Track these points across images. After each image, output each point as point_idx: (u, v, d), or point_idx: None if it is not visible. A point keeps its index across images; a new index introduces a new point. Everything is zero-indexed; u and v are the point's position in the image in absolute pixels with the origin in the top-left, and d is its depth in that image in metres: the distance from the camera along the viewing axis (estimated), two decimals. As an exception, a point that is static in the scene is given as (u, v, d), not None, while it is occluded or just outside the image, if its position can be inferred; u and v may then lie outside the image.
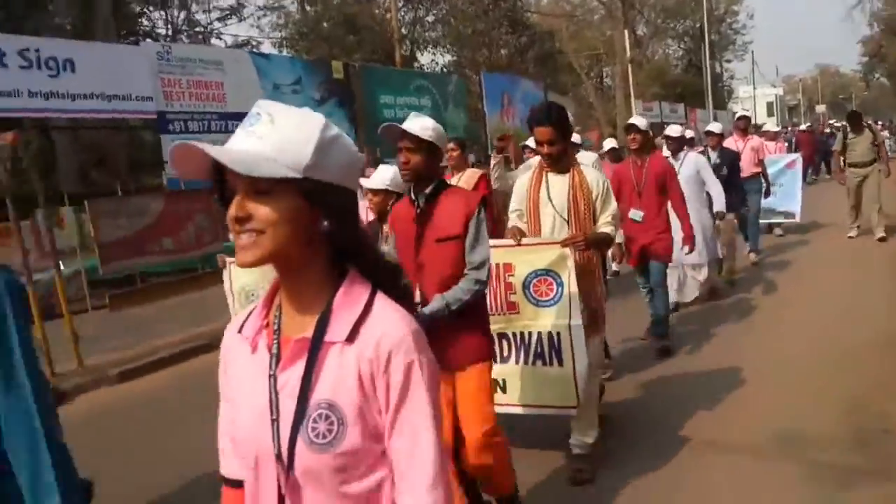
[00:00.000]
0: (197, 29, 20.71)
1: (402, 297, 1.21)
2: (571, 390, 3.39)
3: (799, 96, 69.26)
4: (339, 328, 1.13)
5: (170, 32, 19.73)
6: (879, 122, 27.69)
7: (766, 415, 4.14)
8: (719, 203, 6.51)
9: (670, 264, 5.81)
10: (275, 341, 1.18)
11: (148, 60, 10.63)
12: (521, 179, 3.80)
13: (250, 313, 1.25)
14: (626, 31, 31.38)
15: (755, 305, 6.88)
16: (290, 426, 1.11)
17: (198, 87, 11.51)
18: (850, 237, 9.79)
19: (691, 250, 5.52)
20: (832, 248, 9.53)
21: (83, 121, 10.81)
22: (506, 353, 3.50)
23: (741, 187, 8.22)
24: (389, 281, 1.22)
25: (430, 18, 22.30)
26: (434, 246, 2.71)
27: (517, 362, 3.50)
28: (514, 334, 3.50)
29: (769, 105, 52.76)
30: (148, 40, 14.79)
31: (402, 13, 22.09)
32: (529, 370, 3.48)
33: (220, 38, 20.81)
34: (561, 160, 3.56)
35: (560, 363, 3.40)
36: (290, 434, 1.11)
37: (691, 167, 6.42)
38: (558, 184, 3.58)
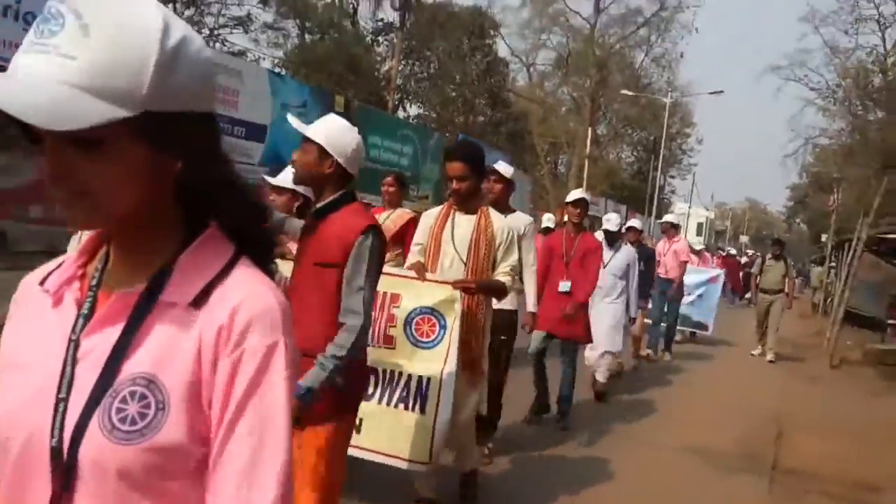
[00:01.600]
0: (203, 31, 21.49)
1: (271, 273, 0.94)
2: (426, 444, 3.05)
3: (727, 223, 74.56)
4: (182, 288, 0.85)
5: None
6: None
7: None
8: (635, 306, 6.78)
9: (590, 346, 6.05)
10: (89, 296, 0.87)
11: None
12: (428, 213, 3.64)
13: (62, 263, 0.92)
14: (589, 129, 34.04)
15: (666, 388, 7.31)
16: (82, 406, 0.79)
17: (218, 93, 12.38)
18: (752, 354, 10.70)
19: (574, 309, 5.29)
20: (733, 361, 10.27)
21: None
22: (370, 390, 3.08)
23: (659, 287, 8.80)
24: (260, 247, 0.94)
25: (423, 74, 23.82)
26: (311, 269, 2.31)
27: (379, 402, 3.14)
28: (383, 371, 3.16)
29: (699, 225, 56.41)
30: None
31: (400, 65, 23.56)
32: (390, 413, 3.13)
33: (224, 45, 21.63)
34: (470, 199, 3.42)
35: (422, 410, 3.07)
36: (81, 416, 0.78)
37: (623, 259, 6.51)
38: (463, 224, 3.43)
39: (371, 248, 2.28)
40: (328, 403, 2.26)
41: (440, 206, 3.63)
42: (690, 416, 6.41)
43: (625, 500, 4.13)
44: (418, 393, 3.11)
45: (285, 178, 3.42)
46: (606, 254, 6.22)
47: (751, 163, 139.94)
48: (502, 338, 4.12)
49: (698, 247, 12.38)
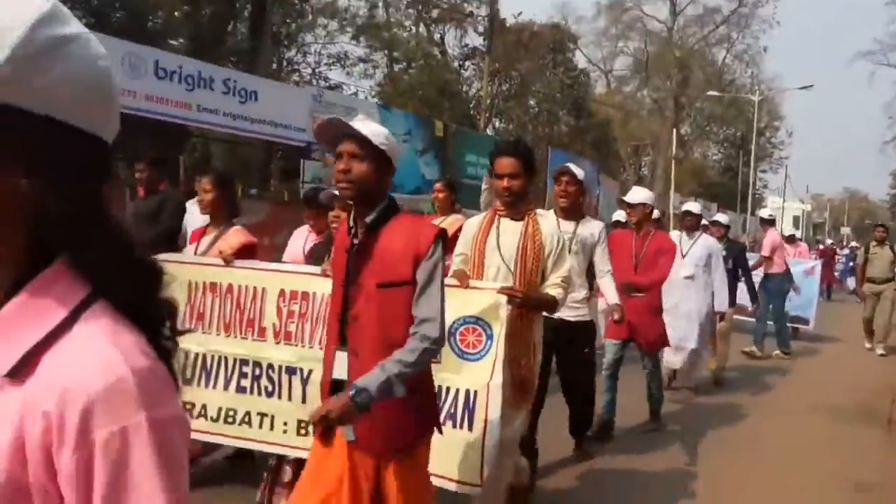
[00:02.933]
0: (305, 69, 23.78)
1: (150, 321, 0.70)
2: (477, 464, 2.82)
3: (826, 214, 71.74)
4: None
5: (283, 68, 22.71)
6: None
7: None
8: (720, 300, 6.19)
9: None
10: None
11: (306, 100, 13.37)
12: (471, 221, 3.39)
13: None
14: (674, 130, 34.34)
15: (735, 413, 6.08)
16: None
17: (336, 125, 14.12)
18: (867, 347, 9.99)
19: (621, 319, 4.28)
20: (841, 355, 9.64)
21: (239, 136, 13.40)
22: None
23: (763, 283, 8.53)
24: (130, 288, 0.69)
25: (510, 92, 25.25)
26: (374, 292, 2.07)
27: None
28: None
29: (795, 219, 54.65)
30: (307, 86, 17.72)
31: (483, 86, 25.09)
32: None
33: (325, 81, 23.75)
34: (519, 202, 3.17)
35: (470, 427, 2.87)
36: None
37: (703, 249, 6.09)
38: (510, 231, 3.17)
39: (443, 255, 2.12)
40: (411, 426, 2.15)
41: (483, 213, 3.39)
42: (797, 405, 6.33)
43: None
44: (465, 408, 2.90)
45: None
46: (685, 244, 6.02)
47: (847, 152, 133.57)
48: (585, 350, 3.99)
49: (796, 234, 11.98)
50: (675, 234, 6.35)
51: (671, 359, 6.01)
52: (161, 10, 14.97)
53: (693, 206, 6.54)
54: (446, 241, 2.16)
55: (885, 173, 64.49)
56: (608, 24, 40.45)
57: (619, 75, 43.70)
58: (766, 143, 49.49)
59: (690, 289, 5.91)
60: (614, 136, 35.02)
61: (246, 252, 3.49)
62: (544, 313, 3.26)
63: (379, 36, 27.16)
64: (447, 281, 2.60)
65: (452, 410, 2.92)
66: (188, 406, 3.24)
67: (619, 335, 4.89)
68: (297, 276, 3.37)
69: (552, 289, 3.09)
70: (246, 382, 3.28)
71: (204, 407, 3.30)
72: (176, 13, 15.18)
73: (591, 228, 4.10)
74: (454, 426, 2.89)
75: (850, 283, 19.64)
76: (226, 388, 3.30)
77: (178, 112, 11.14)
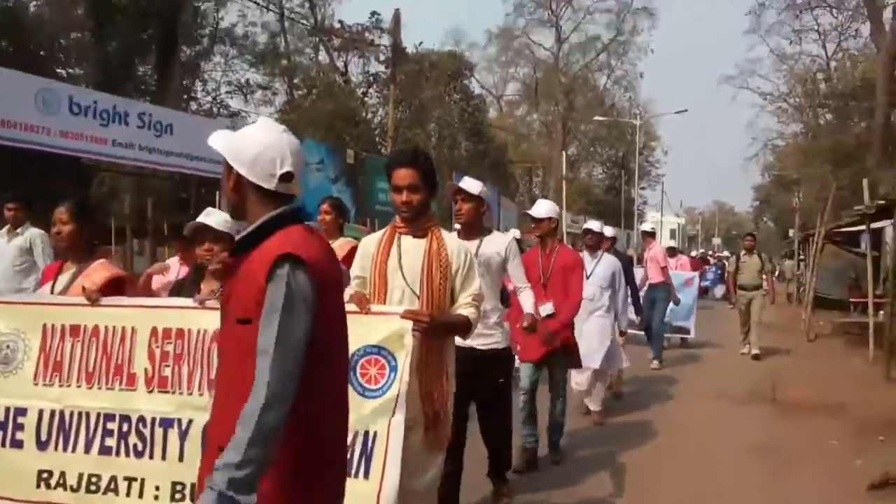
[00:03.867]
0: (205, 97, 23.44)
1: None
2: None
3: (698, 227, 77.43)
4: None
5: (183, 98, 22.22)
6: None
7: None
8: (626, 317, 6.32)
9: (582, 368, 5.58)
10: None
11: (221, 130, 13.33)
12: (368, 240, 3.10)
13: None
14: (564, 153, 36.26)
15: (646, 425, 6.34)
16: None
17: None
18: (742, 353, 10.49)
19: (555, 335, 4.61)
20: (722, 359, 10.39)
21: (156, 171, 13.15)
22: None
23: (649, 293, 8.92)
24: None
25: (412, 119, 25.96)
26: (233, 330, 1.78)
27: None
28: None
29: (672, 232, 58.63)
30: (219, 118, 17.45)
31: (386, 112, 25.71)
32: None
33: (225, 109, 23.47)
34: (420, 217, 2.90)
35: (366, 475, 2.52)
36: None
37: (607, 268, 6.01)
38: (412, 250, 2.89)
39: (288, 286, 1.65)
40: None
41: (381, 231, 3.08)
42: (691, 417, 6.72)
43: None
44: (363, 454, 2.53)
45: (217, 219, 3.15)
46: (589, 264, 5.83)
47: (715, 168, 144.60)
48: (500, 381, 3.75)
49: (672, 244, 12.27)
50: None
51: (578, 379, 5.97)
52: (59, 38, 14.43)
53: (594, 224, 6.38)
54: (300, 265, 1.68)
55: (748, 187, 70.46)
56: (499, 51, 42.43)
57: (510, 100, 45.83)
58: (644, 162, 53.02)
59: (592, 309, 5.79)
60: (510, 158, 36.49)
61: (113, 287, 3.06)
62: (457, 340, 2.99)
63: (278, 63, 27.15)
64: (348, 307, 2.15)
65: (348, 457, 2.36)
66: (44, 475, 2.81)
67: (533, 357, 4.76)
68: (170, 310, 2.93)
69: (464, 309, 2.85)
70: (111, 441, 2.81)
71: (63, 475, 2.82)
72: (82, 41, 14.69)
73: (496, 246, 3.76)
74: (350, 475, 2.37)
75: (718, 290, 21.22)
76: (87, 450, 2.83)
77: (93, 147, 10.87)
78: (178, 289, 3.42)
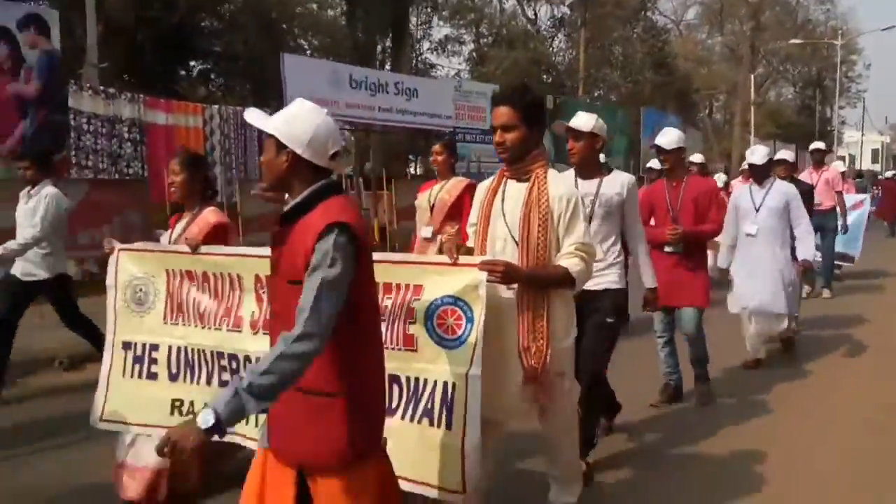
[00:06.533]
0: (413, 56, 26.40)
1: None
2: (457, 469, 2.50)
3: (906, 145, 70.04)
4: None
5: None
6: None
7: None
8: (807, 248, 5.42)
9: (743, 309, 5.39)
10: None
11: (450, 91, 15.82)
12: (482, 185, 3.02)
13: None
14: (752, 76, 35.23)
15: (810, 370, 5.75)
16: None
17: (472, 111, 16.45)
18: None
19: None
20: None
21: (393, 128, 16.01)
22: (394, 404, 2.64)
23: (814, 222, 7.42)
24: None
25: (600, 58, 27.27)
26: (287, 290, 2.00)
27: (403, 417, 2.64)
28: (407, 379, 2.67)
29: (874, 152, 53.99)
30: (446, 76, 20.20)
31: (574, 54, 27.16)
32: (415, 431, 2.62)
33: (434, 68, 26.32)
34: (519, 159, 2.74)
35: (448, 426, 2.53)
36: None
37: (778, 198, 5.38)
38: (515, 194, 2.78)
39: (333, 247, 1.86)
40: (327, 439, 1.92)
41: (493, 176, 2.97)
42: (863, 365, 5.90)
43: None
44: (443, 404, 2.56)
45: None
46: (757, 195, 5.41)
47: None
48: (607, 320, 3.43)
49: (843, 168, 10.93)
50: (743, 189, 5.86)
51: (761, 328, 5.57)
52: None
53: (757, 155, 5.53)
54: (347, 232, 1.89)
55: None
56: (678, -27, 41.10)
57: (689, 24, 44.35)
58: (842, 78, 49.01)
59: (764, 247, 5.34)
60: (696, 88, 36.19)
61: (216, 235, 3.28)
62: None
63: (465, 13, 29.33)
64: (431, 258, 2.65)
65: (430, 406, 2.58)
66: (176, 403, 3.14)
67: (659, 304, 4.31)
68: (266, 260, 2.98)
69: (565, 259, 2.66)
70: (227, 376, 3.05)
71: (192, 403, 3.12)
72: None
73: (615, 186, 3.54)
74: (431, 424, 2.56)
75: None
76: (208, 382, 3.11)
77: (365, 114, 13.74)
78: None
